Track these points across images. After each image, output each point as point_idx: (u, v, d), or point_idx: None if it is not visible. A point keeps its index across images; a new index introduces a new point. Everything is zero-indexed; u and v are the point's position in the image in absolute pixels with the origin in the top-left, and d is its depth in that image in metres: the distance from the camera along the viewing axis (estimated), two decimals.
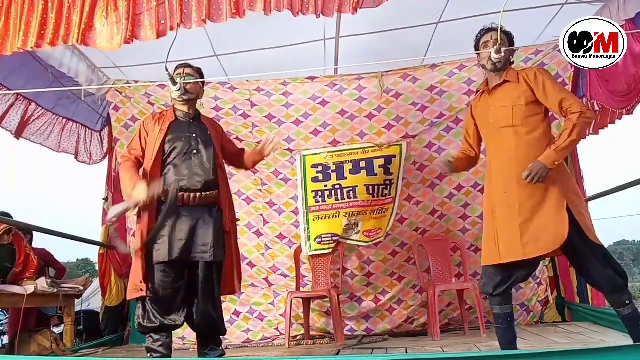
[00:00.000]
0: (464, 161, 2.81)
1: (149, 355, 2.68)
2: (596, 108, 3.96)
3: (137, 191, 2.63)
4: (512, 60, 2.58)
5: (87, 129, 4.71)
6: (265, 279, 4.29)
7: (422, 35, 3.95)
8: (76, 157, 4.63)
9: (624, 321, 2.25)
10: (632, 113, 3.55)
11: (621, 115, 3.64)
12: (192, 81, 2.87)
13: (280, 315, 4.15)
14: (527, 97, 2.42)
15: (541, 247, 2.27)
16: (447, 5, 3.57)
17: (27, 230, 4.07)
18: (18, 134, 3.97)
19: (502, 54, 2.43)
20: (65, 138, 4.48)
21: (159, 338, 2.69)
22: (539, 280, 4.14)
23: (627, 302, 2.23)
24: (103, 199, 4.59)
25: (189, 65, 2.93)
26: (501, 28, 2.46)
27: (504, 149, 2.45)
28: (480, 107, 2.64)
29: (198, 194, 2.77)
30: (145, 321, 2.67)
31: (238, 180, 4.34)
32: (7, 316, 5.64)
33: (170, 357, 2.69)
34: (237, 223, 4.27)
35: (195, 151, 2.82)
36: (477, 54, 2.61)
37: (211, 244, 2.75)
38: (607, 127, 4.00)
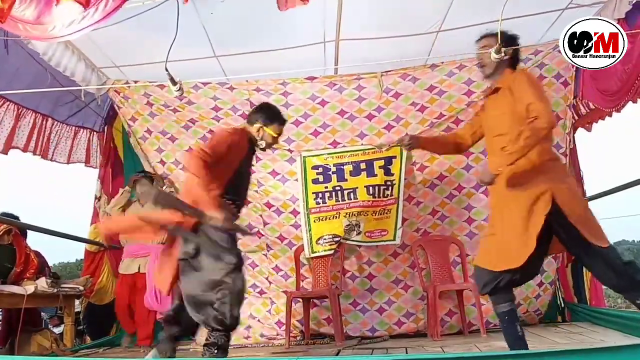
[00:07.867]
0: (445, 145, 2.68)
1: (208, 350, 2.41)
2: (591, 107, 3.97)
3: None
4: (519, 58, 2.46)
5: (94, 132, 4.73)
6: (267, 279, 4.28)
7: (423, 44, 3.94)
8: (87, 163, 4.65)
9: None
10: (619, 111, 3.56)
11: (611, 113, 3.66)
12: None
13: (281, 319, 4.12)
14: (514, 105, 2.25)
15: (507, 261, 2.20)
16: (447, 14, 3.56)
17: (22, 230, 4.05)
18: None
19: (486, 65, 2.41)
20: (76, 147, 4.55)
21: None
22: (552, 285, 4.13)
23: None
24: (96, 198, 4.57)
25: None
26: (494, 32, 2.40)
27: (496, 159, 2.31)
28: (484, 109, 2.55)
29: None
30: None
31: None
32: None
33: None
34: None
35: None
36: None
37: None
38: (597, 122, 4.08)
